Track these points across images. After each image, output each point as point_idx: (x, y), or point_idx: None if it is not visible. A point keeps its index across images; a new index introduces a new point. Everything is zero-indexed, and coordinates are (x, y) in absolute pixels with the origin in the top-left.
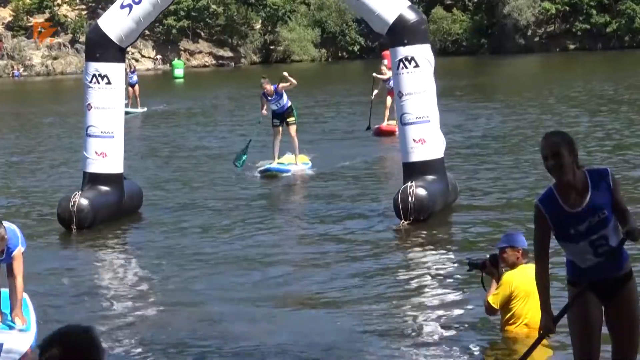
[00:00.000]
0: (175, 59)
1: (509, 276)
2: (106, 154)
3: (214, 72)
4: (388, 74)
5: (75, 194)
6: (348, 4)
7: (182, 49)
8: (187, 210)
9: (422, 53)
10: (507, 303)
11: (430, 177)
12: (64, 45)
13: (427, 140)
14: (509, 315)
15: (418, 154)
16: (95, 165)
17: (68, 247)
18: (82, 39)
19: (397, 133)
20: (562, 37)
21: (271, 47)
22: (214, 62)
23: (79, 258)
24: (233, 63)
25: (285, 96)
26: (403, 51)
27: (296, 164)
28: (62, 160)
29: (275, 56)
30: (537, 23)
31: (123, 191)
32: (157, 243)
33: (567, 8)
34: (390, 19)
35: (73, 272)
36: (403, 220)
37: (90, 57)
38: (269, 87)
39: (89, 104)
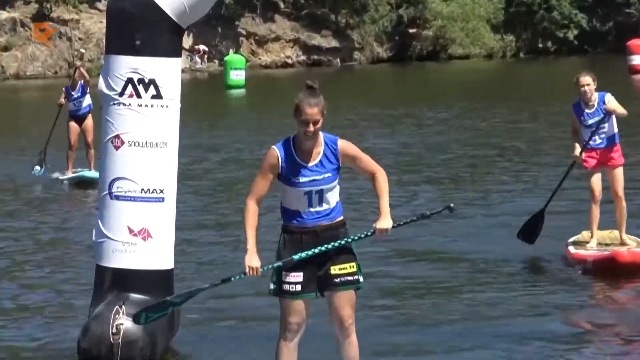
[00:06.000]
0: (231, 51)
1: None
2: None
3: (301, 75)
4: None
5: (117, 310)
6: None
7: (244, 32)
8: None
9: None
10: None
11: None
12: None
13: None
14: None
15: None
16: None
17: None
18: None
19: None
20: None
21: (410, 30)
22: (302, 57)
23: None
24: (339, 60)
25: None
26: None
27: None
28: None
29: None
30: None
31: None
32: None
33: None
34: None
35: None
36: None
37: None
38: None
39: None
